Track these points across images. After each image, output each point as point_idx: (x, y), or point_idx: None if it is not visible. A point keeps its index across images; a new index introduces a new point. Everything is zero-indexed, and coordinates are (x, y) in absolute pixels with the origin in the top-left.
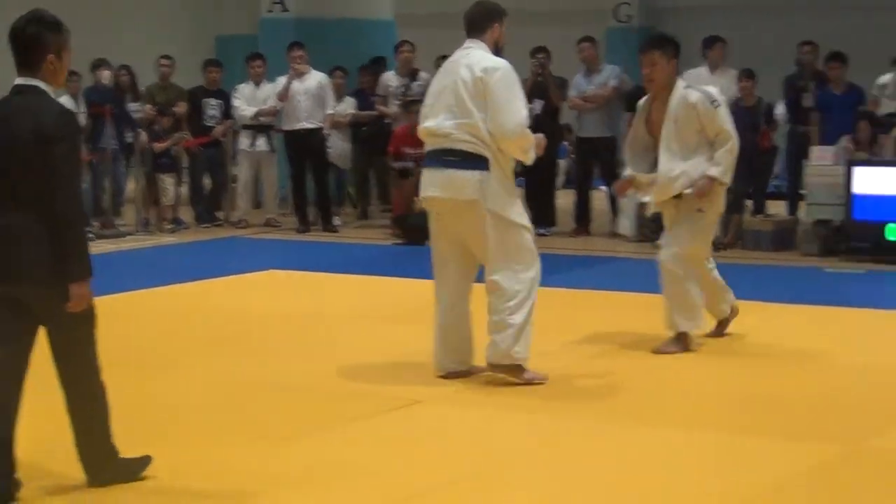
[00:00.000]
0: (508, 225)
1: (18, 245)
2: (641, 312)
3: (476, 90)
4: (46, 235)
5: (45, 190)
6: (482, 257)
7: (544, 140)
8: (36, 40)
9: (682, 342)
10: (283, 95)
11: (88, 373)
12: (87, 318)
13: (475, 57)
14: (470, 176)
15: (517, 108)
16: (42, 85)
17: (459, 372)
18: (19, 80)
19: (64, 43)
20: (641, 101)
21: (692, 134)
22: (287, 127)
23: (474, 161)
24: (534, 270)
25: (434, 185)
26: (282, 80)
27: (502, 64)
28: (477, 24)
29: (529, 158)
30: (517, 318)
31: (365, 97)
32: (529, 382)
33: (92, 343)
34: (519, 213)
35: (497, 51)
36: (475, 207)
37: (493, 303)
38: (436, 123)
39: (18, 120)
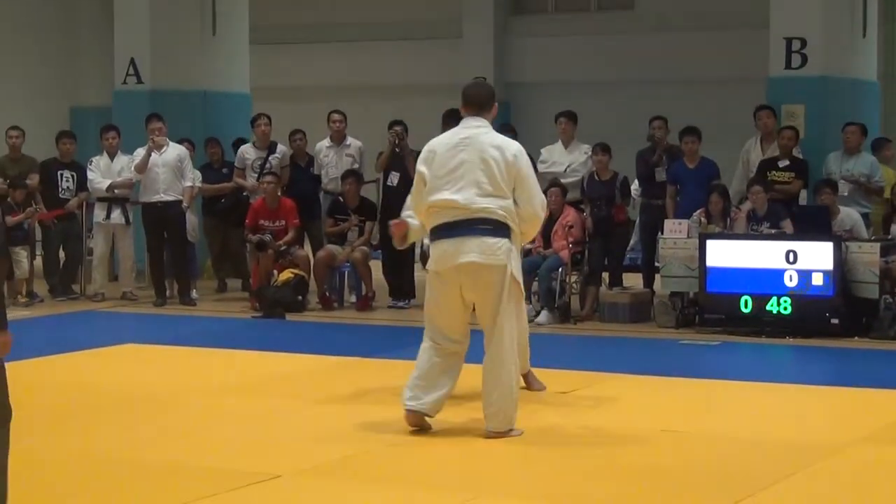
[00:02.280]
0: (519, 293)
1: None
2: None
3: (508, 173)
4: None
5: None
6: (490, 317)
7: None
8: None
9: None
10: (142, 167)
11: None
12: None
13: (497, 138)
14: (502, 243)
15: (539, 191)
16: None
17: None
18: None
19: None
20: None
21: None
22: (145, 199)
23: (503, 230)
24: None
25: (470, 251)
26: (140, 152)
27: (520, 147)
28: (484, 103)
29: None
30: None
31: (213, 170)
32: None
33: None
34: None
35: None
36: (503, 272)
37: (491, 373)
38: (465, 199)
39: None
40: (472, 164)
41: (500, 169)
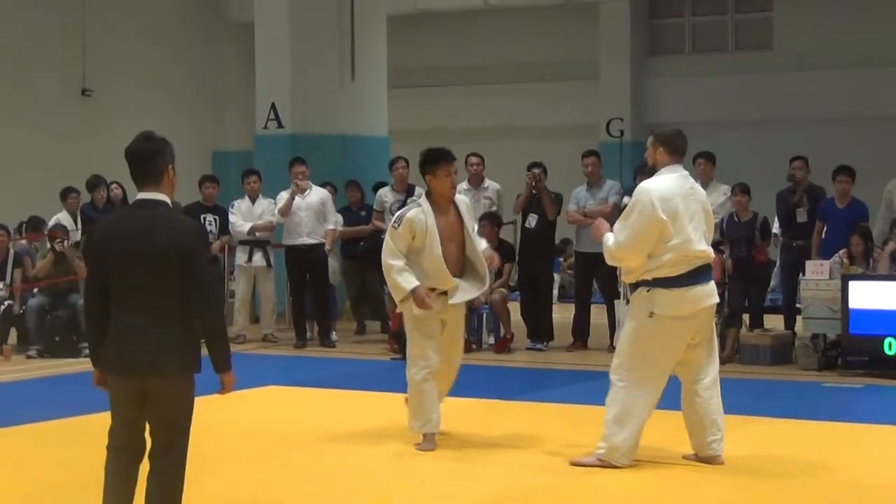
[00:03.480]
0: None
1: (155, 342)
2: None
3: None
4: (178, 333)
5: (190, 298)
6: (711, 351)
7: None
8: (157, 155)
9: None
10: (286, 211)
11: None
12: (189, 411)
13: (701, 188)
14: None
15: None
16: (165, 198)
17: (701, 457)
18: (143, 195)
19: (174, 157)
20: None
21: None
22: (289, 242)
23: None
24: None
25: (713, 293)
26: (283, 196)
27: None
28: (685, 151)
29: None
30: None
31: (352, 213)
32: None
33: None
34: None
35: None
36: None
37: (716, 398)
38: (705, 248)
39: (158, 234)
40: (699, 215)
41: (708, 218)
